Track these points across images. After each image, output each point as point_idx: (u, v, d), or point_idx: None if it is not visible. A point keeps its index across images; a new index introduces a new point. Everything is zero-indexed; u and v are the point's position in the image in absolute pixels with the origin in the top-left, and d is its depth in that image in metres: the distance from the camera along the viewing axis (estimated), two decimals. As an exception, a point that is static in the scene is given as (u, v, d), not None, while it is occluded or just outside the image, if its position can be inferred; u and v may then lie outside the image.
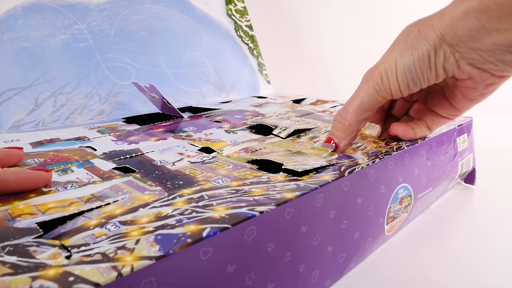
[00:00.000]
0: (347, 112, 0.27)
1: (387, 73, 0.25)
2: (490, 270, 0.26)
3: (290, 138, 0.32)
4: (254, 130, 0.35)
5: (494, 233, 0.31)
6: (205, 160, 0.26)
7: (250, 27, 0.61)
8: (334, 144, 0.28)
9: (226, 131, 0.34)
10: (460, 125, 0.36)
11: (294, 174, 0.23)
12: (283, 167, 0.25)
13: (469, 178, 0.40)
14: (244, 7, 0.62)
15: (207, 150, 0.29)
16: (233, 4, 0.60)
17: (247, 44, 0.60)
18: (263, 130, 0.35)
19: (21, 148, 0.25)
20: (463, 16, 0.21)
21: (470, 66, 0.23)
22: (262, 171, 0.24)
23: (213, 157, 0.27)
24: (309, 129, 0.34)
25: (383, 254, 0.28)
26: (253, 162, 0.26)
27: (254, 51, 0.61)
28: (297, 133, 0.33)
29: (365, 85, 0.26)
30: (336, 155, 0.27)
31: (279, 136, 0.33)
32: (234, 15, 0.59)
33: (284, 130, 0.34)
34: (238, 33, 0.59)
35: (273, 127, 0.35)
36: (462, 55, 0.23)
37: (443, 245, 0.29)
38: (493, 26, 0.21)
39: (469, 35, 0.22)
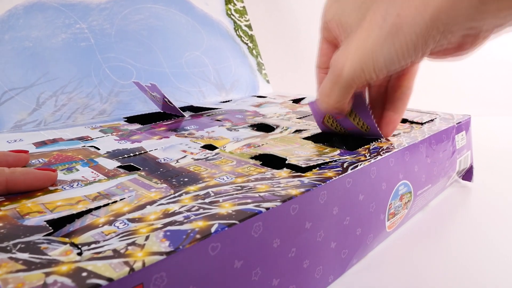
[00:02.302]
0: (329, 102, 0.26)
1: (362, 66, 0.22)
2: (488, 266, 0.26)
3: (292, 134, 0.33)
4: (255, 128, 0.35)
5: (492, 230, 0.31)
6: (208, 157, 0.27)
7: (249, 26, 0.61)
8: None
9: (228, 129, 0.35)
10: (458, 122, 0.37)
11: (297, 170, 0.24)
12: (286, 162, 0.25)
13: (467, 175, 0.41)
14: (244, 7, 0.62)
15: (210, 147, 0.29)
16: (232, 4, 0.60)
17: (247, 44, 0.60)
18: (264, 128, 0.35)
19: (27, 152, 0.25)
20: None
21: (462, 37, 0.20)
22: (265, 167, 0.24)
23: (216, 154, 0.27)
24: (310, 129, 0.35)
25: (384, 250, 0.28)
26: (256, 158, 0.26)
27: (254, 51, 0.61)
28: (298, 132, 0.34)
29: (339, 80, 0.24)
30: (338, 151, 0.27)
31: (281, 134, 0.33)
32: (233, 15, 0.59)
33: (286, 130, 0.34)
34: (238, 33, 0.59)
35: (275, 127, 0.35)
36: (454, 34, 0.20)
37: (443, 241, 0.30)
38: None
39: (465, 15, 0.19)
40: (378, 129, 0.30)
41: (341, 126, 0.31)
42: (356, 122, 0.30)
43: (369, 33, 0.21)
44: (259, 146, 0.29)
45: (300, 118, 0.39)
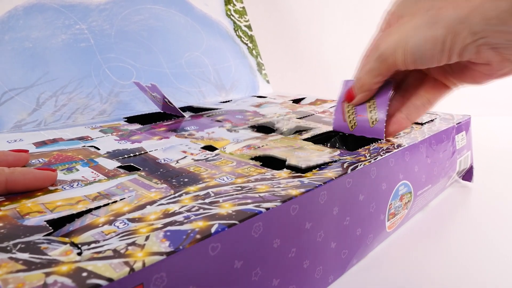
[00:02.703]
0: (361, 73, 0.28)
1: (395, 46, 0.24)
2: (488, 266, 0.26)
3: (292, 135, 0.33)
4: (256, 129, 0.35)
5: (491, 230, 0.31)
6: (208, 158, 0.27)
7: (249, 27, 0.61)
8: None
9: (228, 130, 0.35)
10: (458, 123, 0.37)
11: (297, 170, 0.24)
12: (286, 163, 0.25)
13: (467, 175, 0.41)
14: (243, 8, 0.62)
15: (210, 148, 0.29)
16: (232, 4, 0.60)
17: (246, 44, 0.60)
18: (264, 129, 0.35)
19: (27, 151, 0.25)
20: None
21: (492, 51, 0.21)
22: (265, 168, 0.24)
23: (216, 155, 0.27)
24: (310, 128, 0.35)
25: (384, 250, 0.28)
26: (256, 159, 0.26)
27: (253, 51, 0.61)
28: (298, 132, 0.34)
29: (374, 52, 0.26)
30: (338, 152, 0.27)
31: (281, 134, 0.33)
32: (233, 15, 0.59)
33: (286, 130, 0.34)
34: (237, 33, 0.59)
35: (275, 128, 0.35)
36: (486, 40, 0.21)
37: (443, 241, 0.30)
38: None
39: (499, 18, 0.19)
40: (385, 126, 0.30)
41: (355, 111, 0.32)
42: (370, 111, 0.30)
43: (411, 19, 0.23)
44: (259, 147, 0.29)
45: (300, 118, 0.39)
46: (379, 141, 0.30)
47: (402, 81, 0.30)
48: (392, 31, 0.25)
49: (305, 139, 0.31)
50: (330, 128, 0.34)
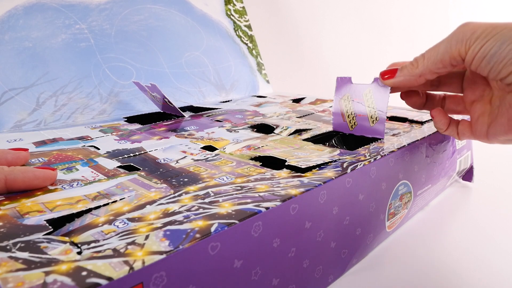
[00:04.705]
0: (422, 56, 0.27)
1: (478, 35, 0.23)
2: (488, 265, 0.26)
3: (291, 136, 0.33)
4: (255, 129, 0.35)
5: (492, 230, 0.31)
6: (208, 158, 0.27)
7: (249, 27, 0.61)
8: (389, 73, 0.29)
9: (227, 130, 0.35)
10: (458, 123, 0.37)
11: (297, 170, 0.24)
12: (286, 163, 0.25)
13: (467, 175, 0.41)
14: (243, 7, 0.62)
15: (209, 148, 0.29)
16: (232, 4, 0.60)
17: (246, 44, 0.60)
18: (264, 129, 0.35)
19: (26, 150, 0.25)
20: None
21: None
22: (265, 168, 0.24)
23: (216, 155, 0.27)
24: (310, 129, 0.35)
25: (384, 250, 0.28)
26: (256, 159, 0.26)
27: (253, 51, 0.61)
28: (298, 132, 0.34)
29: (452, 35, 0.25)
30: (338, 151, 0.27)
31: (280, 135, 0.33)
32: (233, 15, 0.59)
33: (286, 129, 0.34)
34: (237, 33, 0.59)
35: (275, 127, 0.35)
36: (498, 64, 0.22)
37: (443, 241, 0.30)
38: None
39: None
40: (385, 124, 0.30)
41: (353, 110, 0.31)
42: (369, 110, 0.30)
43: (504, 26, 0.23)
44: (258, 148, 0.29)
45: (300, 117, 0.39)
46: (379, 141, 0.30)
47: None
48: (479, 23, 0.24)
49: (304, 139, 0.31)
50: (330, 128, 0.34)
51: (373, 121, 0.30)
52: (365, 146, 0.29)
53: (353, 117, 0.32)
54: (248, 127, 0.36)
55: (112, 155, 0.27)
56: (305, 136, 0.32)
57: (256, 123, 0.37)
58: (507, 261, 0.27)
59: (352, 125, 0.32)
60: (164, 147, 0.29)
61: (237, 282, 0.17)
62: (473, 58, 0.24)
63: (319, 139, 0.32)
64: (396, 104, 0.40)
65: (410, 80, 0.27)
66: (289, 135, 0.33)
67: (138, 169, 0.24)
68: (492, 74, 0.23)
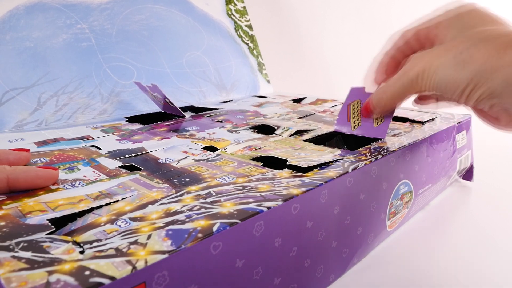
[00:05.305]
0: (385, 94, 0.28)
1: (424, 75, 0.24)
2: (489, 265, 0.27)
3: (292, 136, 0.33)
4: (256, 130, 0.35)
5: (492, 229, 0.31)
6: (209, 158, 0.27)
7: (250, 27, 0.62)
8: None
9: (229, 130, 0.35)
10: (459, 122, 0.37)
11: (298, 170, 0.24)
12: (287, 163, 0.25)
13: (467, 174, 0.41)
14: (244, 7, 0.62)
15: (211, 148, 0.29)
16: (233, 4, 0.60)
17: (247, 44, 0.60)
18: (265, 129, 0.35)
19: (28, 150, 0.25)
20: None
21: (503, 111, 0.23)
22: (266, 168, 0.24)
23: (217, 155, 0.27)
24: (311, 130, 0.35)
25: (385, 249, 0.28)
26: (257, 159, 0.26)
27: (254, 51, 0.61)
28: (299, 133, 0.34)
29: (403, 77, 0.26)
30: (339, 151, 0.27)
31: (282, 136, 0.33)
32: (234, 15, 0.59)
33: (287, 130, 0.34)
34: (238, 33, 0.59)
35: (276, 127, 0.35)
36: (500, 101, 0.22)
37: (443, 240, 0.30)
38: None
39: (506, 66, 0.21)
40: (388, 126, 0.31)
41: (360, 114, 0.32)
42: (376, 117, 0.31)
43: (445, 54, 0.24)
44: (260, 148, 0.29)
45: (300, 118, 0.39)
46: (379, 141, 0.30)
47: None
48: (426, 57, 0.25)
49: (306, 140, 0.31)
50: (331, 129, 0.34)
51: (377, 122, 0.30)
52: (366, 146, 0.29)
53: (358, 118, 0.32)
54: (249, 127, 0.36)
55: (113, 155, 0.27)
56: (306, 137, 0.32)
57: (257, 123, 0.37)
58: (507, 261, 0.27)
59: (355, 126, 0.32)
60: (165, 148, 0.29)
61: (239, 282, 0.17)
62: (430, 91, 0.25)
63: (320, 141, 0.32)
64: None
65: (388, 110, 0.29)
66: (290, 136, 0.33)
67: (139, 169, 0.24)
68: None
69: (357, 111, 0.32)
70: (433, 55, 0.25)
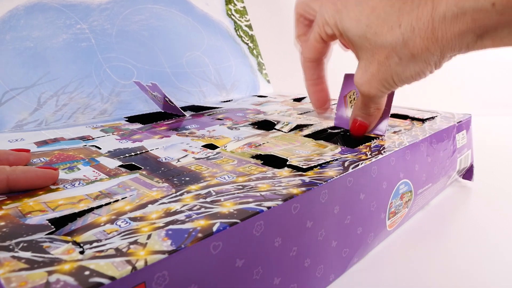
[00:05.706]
0: (369, 113, 0.29)
1: (385, 85, 0.25)
2: (488, 265, 0.26)
3: (292, 132, 0.33)
4: (256, 126, 0.35)
5: (492, 229, 0.31)
6: (209, 156, 0.27)
7: (249, 27, 0.61)
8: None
9: (228, 127, 0.35)
10: (459, 122, 0.37)
11: (298, 169, 0.24)
12: (287, 163, 0.25)
13: (467, 174, 0.41)
14: (244, 7, 0.62)
15: (211, 146, 0.29)
16: (232, 4, 0.60)
17: (247, 44, 0.60)
18: (265, 125, 0.35)
19: (28, 150, 0.25)
20: (460, 37, 0.20)
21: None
22: (267, 167, 0.24)
23: (217, 153, 0.27)
24: (311, 124, 0.35)
25: (385, 249, 0.28)
26: (257, 157, 0.26)
27: (254, 51, 0.61)
28: (299, 127, 0.34)
29: (364, 99, 0.27)
30: (339, 149, 0.27)
31: (282, 131, 0.33)
32: (234, 15, 0.59)
33: (287, 125, 0.34)
34: (238, 33, 0.59)
35: (276, 122, 0.35)
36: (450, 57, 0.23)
37: (443, 240, 0.30)
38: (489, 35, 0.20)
39: (464, 48, 0.21)
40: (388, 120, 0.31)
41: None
42: None
43: (388, 62, 0.23)
44: (260, 145, 0.29)
45: (301, 114, 0.39)
46: (379, 138, 0.30)
47: None
48: (367, 75, 0.25)
49: (306, 135, 0.31)
50: (331, 123, 0.34)
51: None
52: (366, 144, 0.29)
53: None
54: (249, 124, 0.36)
55: (113, 154, 0.27)
56: (306, 132, 0.32)
57: (257, 119, 0.37)
58: (507, 261, 0.27)
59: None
60: (165, 146, 0.29)
61: (238, 282, 0.17)
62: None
63: (320, 136, 0.32)
64: (398, 103, 0.40)
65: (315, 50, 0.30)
66: (290, 130, 0.33)
67: (139, 168, 0.24)
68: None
69: (354, 102, 0.32)
70: (374, 71, 0.25)
